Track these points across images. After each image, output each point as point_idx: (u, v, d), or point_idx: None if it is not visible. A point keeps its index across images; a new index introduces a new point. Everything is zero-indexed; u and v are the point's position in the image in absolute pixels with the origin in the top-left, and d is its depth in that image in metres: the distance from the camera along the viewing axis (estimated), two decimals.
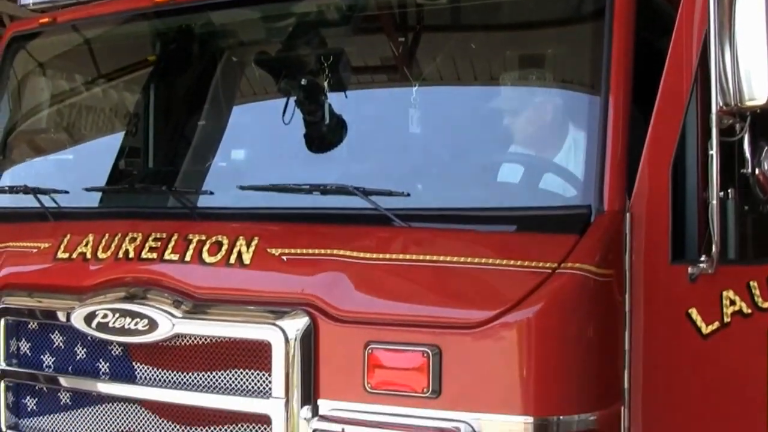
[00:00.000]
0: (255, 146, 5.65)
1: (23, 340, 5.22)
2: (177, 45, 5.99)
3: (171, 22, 5.91)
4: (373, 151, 5.10)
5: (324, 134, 5.06)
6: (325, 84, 5.03)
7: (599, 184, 4.15)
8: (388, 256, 4.32)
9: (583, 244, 4.01)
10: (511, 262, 4.08)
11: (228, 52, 5.91)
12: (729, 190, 4.23)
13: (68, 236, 5.16)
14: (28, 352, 5.21)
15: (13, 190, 5.88)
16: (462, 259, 4.16)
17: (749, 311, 4.39)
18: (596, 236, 4.05)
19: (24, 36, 6.37)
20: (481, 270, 4.12)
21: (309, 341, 4.26)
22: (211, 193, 5.10)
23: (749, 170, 4.27)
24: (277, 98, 5.28)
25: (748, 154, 4.26)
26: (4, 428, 5.26)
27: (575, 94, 4.73)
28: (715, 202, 4.03)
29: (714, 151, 4.04)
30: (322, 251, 4.41)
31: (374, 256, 4.33)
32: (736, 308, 4.35)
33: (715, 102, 4.08)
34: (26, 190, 5.69)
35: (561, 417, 3.91)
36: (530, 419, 3.87)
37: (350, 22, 5.34)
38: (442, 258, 4.20)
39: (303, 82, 5.08)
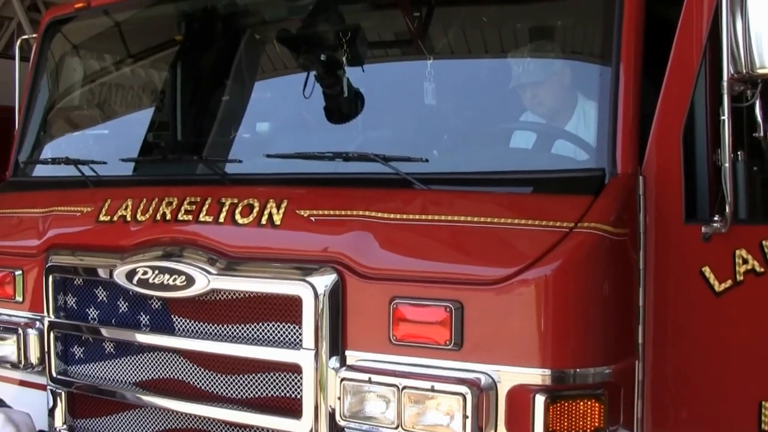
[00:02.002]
0: (278, 118, 5.28)
1: (69, 294, 4.92)
2: (202, 25, 5.60)
3: (196, 3, 5.55)
4: (390, 121, 4.73)
5: (343, 106, 4.69)
6: (344, 58, 4.65)
7: (612, 148, 3.79)
8: (410, 216, 3.97)
9: (598, 204, 3.66)
10: (529, 222, 3.72)
11: (250, 30, 5.53)
12: (739, 153, 3.84)
13: (108, 201, 4.85)
14: (74, 305, 4.91)
15: (55, 161, 5.60)
16: (481, 219, 3.80)
17: (762, 270, 4.01)
18: (611, 197, 3.69)
19: (60, 21, 6.02)
20: (500, 229, 3.76)
21: (337, 296, 3.93)
22: (240, 161, 4.74)
23: (762, 134, 3.85)
24: (297, 73, 4.93)
25: (760, 119, 3.84)
26: (54, 374, 4.97)
27: (586, 62, 4.34)
28: (727, 164, 3.66)
29: (726, 117, 3.67)
30: (348, 212, 4.06)
31: (398, 216, 3.98)
32: (749, 267, 3.97)
33: (727, 70, 3.70)
34: (67, 161, 5.39)
35: (577, 369, 3.57)
36: (548, 371, 3.54)
37: None
38: (462, 218, 3.85)
39: (322, 57, 4.72)
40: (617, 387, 3.63)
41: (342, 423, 3.87)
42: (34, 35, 6.30)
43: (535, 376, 3.53)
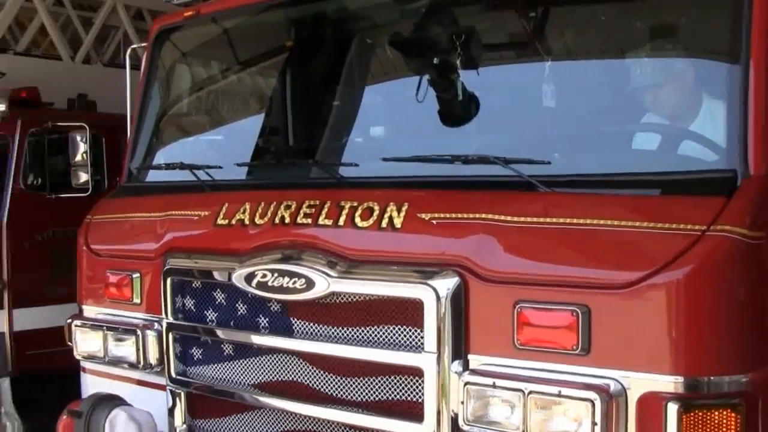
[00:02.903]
0: (392, 122, 5.29)
1: (187, 297, 5.03)
2: (312, 30, 5.67)
3: (306, 9, 5.58)
4: (507, 123, 4.68)
5: (458, 109, 4.65)
6: (458, 61, 4.60)
7: (743, 148, 3.66)
8: (533, 219, 3.91)
9: (732, 206, 3.54)
10: (658, 225, 3.62)
11: (362, 35, 5.53)
12: None
13: (226, 205, 4.92)
14: (192, 308, 5.02)
15: (169, 166, 5.68)
16: (608, 222, 3.73)
17: None
18: (745, 199, 3.57)
19: (169, 29, 6.13)
20: (628, 232, 3.68)
21: (459, 299, 3.92)
22: (356, 164, 4.72)
23: None
24: (411, 76, 4.89)
25: None
26: (174, 375, 5.10)
27: (712, 60, 4.19)
28: None
29: None
30: (470, 215, 4.04)
31: (520, 219, 3.92)
32: None
33: None
34: (182, 166, 5.47)
35: (711, 377, 3.46)
36: (680, 378, 3.44)
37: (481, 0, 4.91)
38: (587, 220, 3.78)
39: (436, 60, 4.67)
40: (755, 397, 3.50)
41: (465, 428, 3.84)
42: (143, 44, 6.45)
43: (668, 383, 3.44)
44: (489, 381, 3.76)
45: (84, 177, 8.51)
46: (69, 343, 5.77)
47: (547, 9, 4.54)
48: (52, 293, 9.30)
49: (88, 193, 8.50)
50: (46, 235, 9.58)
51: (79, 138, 8.37)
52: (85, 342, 5.58)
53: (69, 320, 5.76)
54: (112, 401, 5.18)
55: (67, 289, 8.84)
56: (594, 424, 3.49)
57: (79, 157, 8.44)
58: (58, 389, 7.88)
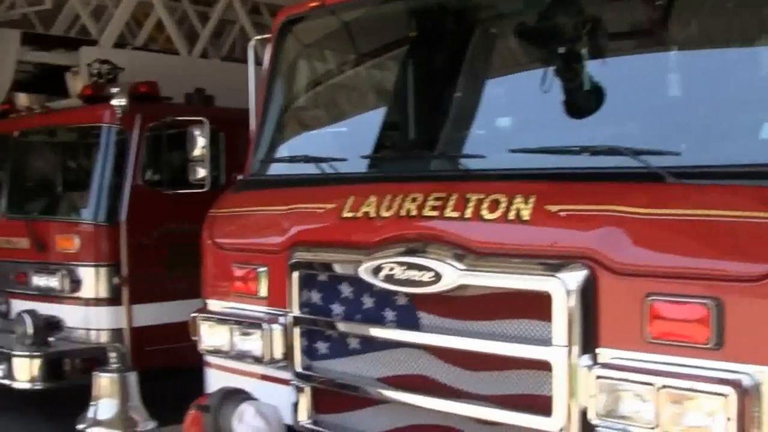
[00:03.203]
0: (516, 113, 5.48)
1: (313, 290, 5.33)
2: (436, 20, 5.87)
3: None
4: (634, 113, 4.81)
5: (584, 99, 4.83)
6: (584, 51, 4.79)
7: None
8: (664, 210, 4.06)
9: None
10: None
11: (485, 25, 5.73)
12: None
13: (352, 198, 5.20)
14: (318, 301, 5.32)
15: (294, 159, 5.99)
16: (739, 213, 3.85)
17: None
18: None
19: (293, 20, 6.44)
20: (761, 223, 3.78)
21: (588, 292, 4.11)
22: (483, 156, 4.94)
23: None
24: (535, 67, 5.12)
25: None
26: (299, 369, 5.39)
27: None
28: None
29: None
30: (599, 207, 4.22)
31: (650, 211, 4.08)
32: None
33: None
34: (307, 158, 5.77)
35: None
36: None
37: None
38: (718, 212, 3.91)
39: (561, 50, 4.87)
40: None
41: (595, 422, 4.04)
42: (267, 36, 6.79)
43: None
44: (620, 375, 3.94)
45: (202, 172, 8.93)
46: (193, 338, 6.13)
47: None
48: (169, 289, 9.81)
49: (206, 188, 8.95)
50: (164, 231, 9.99)
51: (197, 133, 8.76)
52: (210, 336, 5.92)
53: (194, 314, 6.12)
54: (240, 396, 5.54)
55: (185, 285, 9.39)
56: (728, 419, 3.63)
57: (197, 152, 8.83)
58: (175, 385, 8.38)
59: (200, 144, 8.75)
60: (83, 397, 8.16)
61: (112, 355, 7.27)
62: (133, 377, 6.94)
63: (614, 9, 5.05)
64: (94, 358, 8.93)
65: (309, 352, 5.40)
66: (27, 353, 9.17)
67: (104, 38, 11.66)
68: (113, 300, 9.57)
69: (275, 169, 6.24)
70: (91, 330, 9.57)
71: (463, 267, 4.47)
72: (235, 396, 5.54)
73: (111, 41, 11.71)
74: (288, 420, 5.50)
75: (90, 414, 6.82)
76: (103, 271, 9.54)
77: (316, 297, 5.31)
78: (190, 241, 9.24)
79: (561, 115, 4.92)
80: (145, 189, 9.85)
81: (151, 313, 9.75)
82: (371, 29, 6.40)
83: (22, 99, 12.11)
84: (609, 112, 4.76)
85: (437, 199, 4.71)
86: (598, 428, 4.07)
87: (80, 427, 6.57)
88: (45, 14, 12.62)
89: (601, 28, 4.80)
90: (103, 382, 7.02)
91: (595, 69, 4.78)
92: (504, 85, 5.71)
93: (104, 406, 6.98)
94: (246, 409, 5.40)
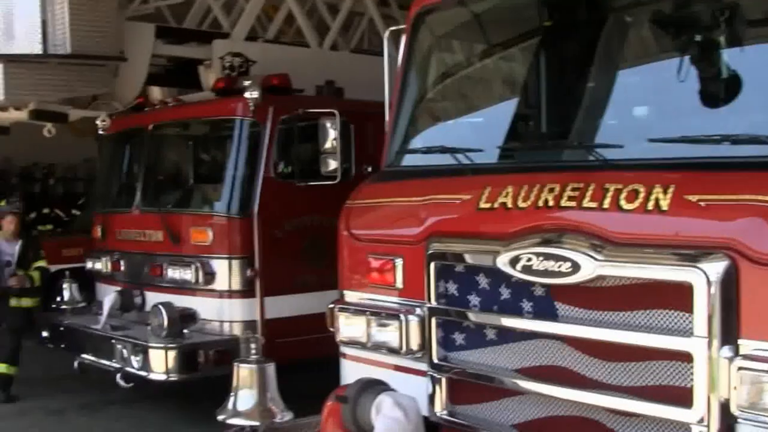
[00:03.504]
0: (653, 102, 5.64)
1: (450, 281, 5.62)
2: (569, 9, 6.08)
3: None
4: None
5: (722, 88, 4.97)
6: (722, 39, 4.94)
7: None
8: None
9: None
10: None
11: (620, 13, 5.91)
12: None
13: (488, 188, 5.46)
14: (454, 292, 5.61)
15: (430, 150, 6.26)
16: None
17: None
18: None
19: (428, 10, 6.70)
20: None
21: (730, 283, 4.28)
22: (621, 146, 5.12)
23: None
24: (672, 55, 5.23)
25: None
26: (435, 360, 5.67)
27: None
28: None
29: None
30: (741, 197, 4.39)
31: None
32: None
33: None
34: (443, 149, 6.04)
35: None
36: None
37: None
38: None
39: (698, 38, 5.03)
40: None
41: (737, 413, 4.22)
42: (401, 27, 7.08)
43: None
44: (763, 366, 4.12)
45: (333, 164, 9.37)
46: (330, 329, 6.50)
47: None
48: (300, 281, 10.24)
49: (336, 180, 9.32)
50: (295, 224, 10.39)
51: (329, 125, 9.20)
52: (347, 327, 6.27)
53: (331, 305, 6.48)
54: (378, 386, 5.85)
55: (316, 276, 9.81)
56: None
57: (328, 144, 9.29)
58: (307, 377, 8.75)
59: (331, 136, 9.19)
60: (212, 387, 8.63)
61: (252, 346, 7.64)
62: (271, 368, 7.26)
63: None
64: (227, 350, 9.42)
65: (445, 343, 5.69)
66: (162, 345, 9.69)
67: (236, 31, 12.14)
68: (246, 292, 10.01)
69: (411, 160, 6.51)
70: (225, 322, 10.06)
71: (602, 258, 4.69)
72: (374, 387, 5.84)
73: (243, 34, 12.18)
74: (424, 411, 5.77)
75: (229, 405, 7.16)
76: (236, 263, 9.99)
77: (452, 288, 5.60)
78: (320, 233, 9.74)
79: (699, 104, 5.07)
80: (276, 181, 10.24)
81: (283, 305, 10.16)
82: (505, 18, 6.63)
83: (156, 92, 12.73)
84: (748, 100, 4.89)
85: (574, 189, 4.95)
86: (739, 420, 4.25)
87: (220, 417, 6.93)
88: (177, 8, 13.22)
89: (739, 15, 4.92)
90: (243, 372, 7.36)
91: (733, 57, 4.94)
92: (640, 74, 5.87)
93: (243, 396, 7.30)
94: (384, 400, 5.69)
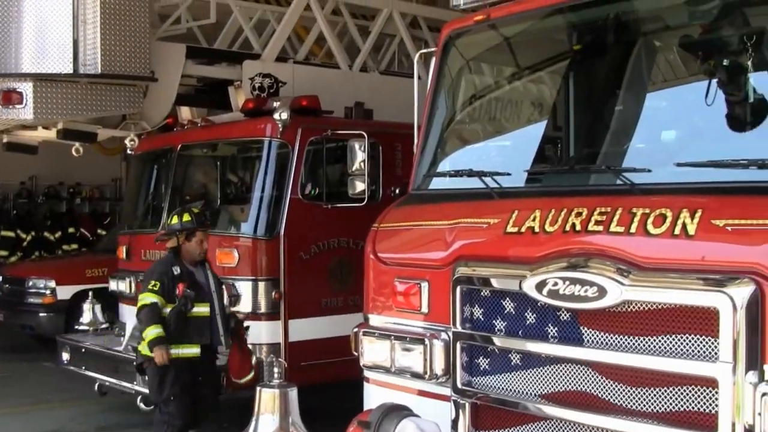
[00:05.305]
0: (681, 126, 5.72)
1: (476, 306, 5.70)
2: (599, 33, 6.18)
3: (595, 12, 6.10)
4: None
5: (750, 112, 5.07)
6: (749, 63, 5.04)
7: None
8: None
9: None
10: None
11: (649, 37, 6.01)
12: None
13: (516, 212, 5.56)
14: (480, 317, 5.68)
15: (458, 173, 6.35)
16: None
17: None
18: None
19: (459, 33, 6.84)
20: None
21: (756, 308, 4.36)
22: (649, 170, 5.20)
23: None
24: (700, 79, 5.35)
25: None
26: (459, 385, 5.75)
27: None
28: None
29: None
30: (767, 222, 4.45)
31: None
32: None
33: None
34: (471, 173, 6.14)
35: None
36: None
37: None
38: None
39: (725, 62, 5.13)
40: None
41: None
42: (432, 49, 7.21)
43: None
44: None
45: (360, 186, 9.41)
46: (354, 353, 6.57)
47: None
48: (325, 304, 10.31)
49: (364, 203, 9.40)
50: (321, 246, 10.43)
51: (357, 146, 9.27)
52: (371, 351, 6.33)
53: (356, 329, 6.55)
54: (401, 412, 5.85)
55: (341, 299, 9.89)
56: None
57: (356, 166, 9.34)
58: (329, 400, 8.81)
59: (359, 158, 9.23)
60: (235, 410, 8.69)
61: (275, 370, 7.75)
62: (294, 393, 7.37)
63: None
64: None
65: (470, 368, 5.75)
66: None
67: (267, 52, 12.27)
68: (271, 315, 10.07)
69: (438, 183, 6.61)
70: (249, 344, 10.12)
71: (628, 282, 4.77)
72: (397, 412, 5.85)
73: (273, 55, 12.31)
74: None
75: (251, 429, 7.28)
76: (261, 285, 10.04)
77: (478, 312, 5.68)
78: (347, 255, 9.82)
79: (726, 129, 5.19)
80: (303, 203, 10.30)
81: (307, 328, 10.20)
82: (534, 42, 6.79)
83: (185, 113, 12.88)
84: None
85: (602, 213, 5.03)
86: None
87: None
88: (209, 29, 13.37)
89: (766, 40, 5.04)
90: (266, 396, 7.47)
91: (760, 81, 5.04)
92: (667, 98, 6.01)
93: (265, 421, 7.41)
94: (407, 426, 5.72)
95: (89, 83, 11.12)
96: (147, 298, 8.35)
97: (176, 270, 8.56)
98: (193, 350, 8.45)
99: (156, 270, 8.64)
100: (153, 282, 8.40)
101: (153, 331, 8.22)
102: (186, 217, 8.81)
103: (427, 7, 14.63)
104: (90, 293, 12.60)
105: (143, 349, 8.35)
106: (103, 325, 11.92)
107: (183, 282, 8.45)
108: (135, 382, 10.05)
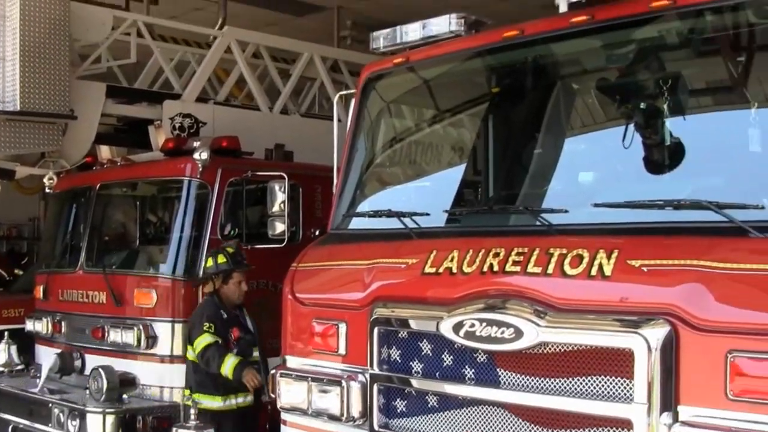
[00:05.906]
0: (598, 168, 5.75)
1: (393, 347, 5.62)
2: (518, 76, 6.20)
3: (513, 55, 6.11)
4: (715, 169, 5.05)
5: (665, 154, 5.11)
6: (665, 107, 5.08)
7: None
8: (748, 266, 4.28)
9: None
10: None
11: (567, 80, 6.03)
12: None
13: (434, 253, 5.51)
14: (397, 358, 5.61)
15: (377, 213, 6.31)
16: None
17: None
18: None
19: (378, 75, 6.82)
20: None
21: (670, 349, 4.34)
22: (566, 211, 5.19)
23: None
24: (617, 122, 5.38)
25: None
26: (376, 427, 5.66)
27: None
28: None
29: None
30: (682, 262, 4.46)
31: (734, 266, 4.31)
32: None
33: None
34: (390, 213, 6.09)
35: None
36: None
37: (689, 45, 5.33)
38: None
39: (642, 105, 5.16)
40: None
41: None
42: (352, 91, 7.17)
43: None
44: None
45: (281, 227, 9.36)
46: (272, 395, 6.46)
47: (752, 54, 4.95)
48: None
49: (284, 244, 9.30)
50: None
51: (277, 188, 9.22)
52: (288, 393, 6.22)
53: (273, 371, 6.44)
54: None
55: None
56: None
57: (276, 207, 9.28)
58: None
59: (279, 199, 9.19)
60: None
61: (191, 412, 7.61)
62: None
63: (695, 65, 5.35)
64: (167, 416, 9.30)
65: (387, 410, 5.67)
66: (100, 410, 9.46)
67: (187, 93, 12.17)
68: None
69: (358, 224, 6.56)
70: (165, 387, 9.89)
71: (544, 324, 4.73)
72: None
73: (194, 96, 12.21)
74: None
75: None
76: (179, 327, 9.81)
77: (395, 354, 5.59)
78: (265, 297, 9.67)
79: (643, 170, 5.20)
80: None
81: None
82: (453, 85, 6.78)
83: (105, 151, 12.67)
84: (691, 166, 5.02)
85: (519, 254, 5.00)
86: None
87: None
88: (129, 68, 13.23)
89: (682, 84, 5.09)
90: None
91: (676, 124, 5.08)
92: (585, 141, 6.01)
93: None
94: None
95: (7, 120, 10.88)
96: (206, 338, 8.13)
97: (224, 314, 8.29)
98: (249, 398, 8.26)
99: (204, 313, 8.40)
100: (207, 324, 8.15)
101: (231, 360, 8.00)
102: (221, 259, 8.63)
103: (348, 51, 14.67)
104: (6, 334, 12.24)
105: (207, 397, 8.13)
106: (19, 367, 11.60)
107: (235, 326, 8.20)
108: (50, 425, 9.78)
